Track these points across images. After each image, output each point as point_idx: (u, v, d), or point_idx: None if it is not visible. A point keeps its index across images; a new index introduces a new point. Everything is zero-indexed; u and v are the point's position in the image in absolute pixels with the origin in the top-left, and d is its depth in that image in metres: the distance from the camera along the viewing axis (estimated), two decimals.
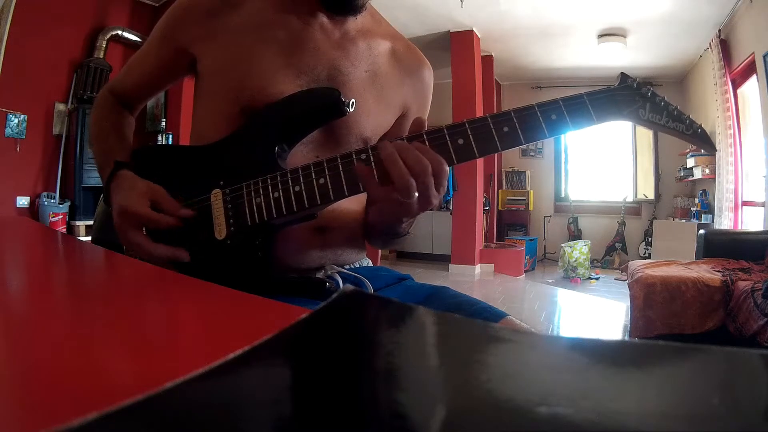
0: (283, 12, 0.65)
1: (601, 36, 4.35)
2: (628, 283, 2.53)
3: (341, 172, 0.53)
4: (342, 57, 0.66)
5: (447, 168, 0.50)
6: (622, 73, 0.52)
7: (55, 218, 3.40)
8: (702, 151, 4.34)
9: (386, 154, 0.49)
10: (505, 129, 0.50)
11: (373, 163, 0.52)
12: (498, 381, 0.16)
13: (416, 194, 0.49)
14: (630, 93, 0.51)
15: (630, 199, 5.71)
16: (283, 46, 0.64)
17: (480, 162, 4.43)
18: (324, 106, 0.59)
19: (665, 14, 3.78)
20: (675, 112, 0.52)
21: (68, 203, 3.53)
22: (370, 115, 0.68)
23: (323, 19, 0.65)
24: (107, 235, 0.70)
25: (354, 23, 0.68)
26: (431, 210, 0.56)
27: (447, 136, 0.51)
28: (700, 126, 0.53)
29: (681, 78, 5.32)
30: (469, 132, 0.51)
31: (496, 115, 0.51)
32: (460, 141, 0.51)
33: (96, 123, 0.74)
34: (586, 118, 0.50)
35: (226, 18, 0.64)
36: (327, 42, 0.65)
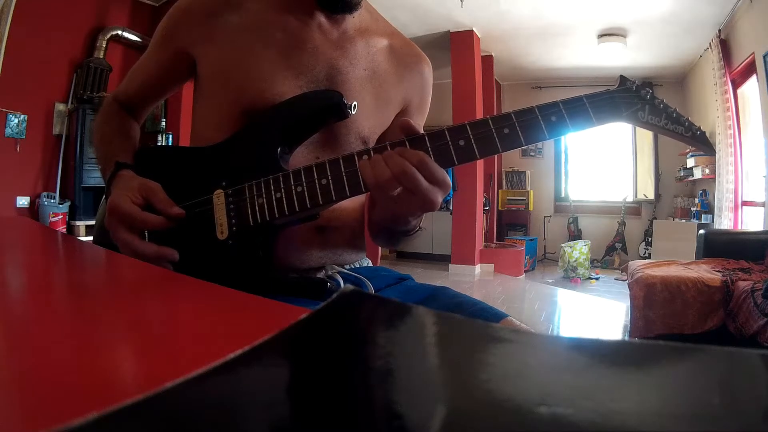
0: (281, 13, 0.65)
1: (601, 36, 4.35)
2: (628, 283, 2.53)
3: (343, 173, 0.53)
4: (340, 56, 0.66)
5: (430, 162, 0.50)
6: (621, 75, 0.53)
7: (55, 218, 3.40)
8: (701, 152, 4.34)
9: (359, 165, 0.51)
10: (506, 131, 0.50)
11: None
12: (498, 381, 0.16)
13: (396, 191, 0.50)
14: (629, 95, 0.51)
15: (630, 199, 5.71)
16: (281, 47, 0.64)
17: (480, 162, 4.41)
18: (326, 109, 0.59)
19: (665, 14, 3.78)
20: (674, 115, 0.52)
21: (68, 203, 3.53)
22: (369, 114, 0.68)
23: (321, 19, 0.65)
24: (108, 236, 0.70)
25: (352, 22, 0.68)
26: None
27: (448, 138, 0.51)
28: (699, 128, 0.54)
29: (681, 78, 5.32)
30: (470, 133, 0.51)
31: (496, 117, 0.51)
32: (461, 142, 0.51)
33: (99, 128, 0.74)
34: (585, 119, 0.50)
35: (224, 19, 0.64)
36: (325, 42, 0.65)
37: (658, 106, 0.52)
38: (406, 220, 0.59)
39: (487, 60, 5.08)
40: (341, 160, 0.53)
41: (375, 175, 0.50)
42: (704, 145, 0.54)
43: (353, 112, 0.59)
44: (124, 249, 0.58)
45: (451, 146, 0.51)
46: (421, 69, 0.75)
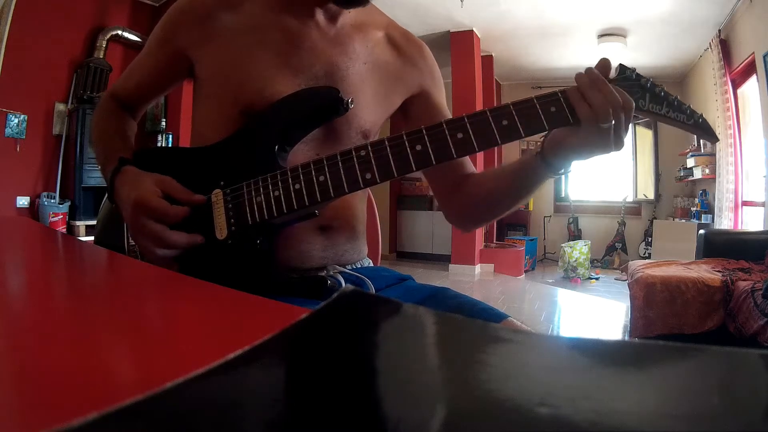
0: (278, 13, 0.65)
1: (601, 36, 4.35)
2: (628, 283, 2.53)
3: (341, 169, 0.53)
4: (339, 53, 0.66)
5: (633, 108, 0.51)
6: (621, 64, 0.53)
7: (55, 218, 3.40)
8: (702, 151, 4.34)
9: (592, 79, 0.51)
10: (504, 122, 0.50)
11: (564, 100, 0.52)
12: (498, 381, 0.16)
13: (610, 123, 0.50)
14: (629, 84, 0.51)
15: (630, 199, 5.70)
16: (279, 46, 0.64)
17: (480, 160, 4.42)
18: (323, 106, 0.59)
19: (665, 14, 3.78)
20: (675, 102, 0.52)
21: (68, 203, 3.52)
22: (369, 108, 0.68)
23: (318, 17, 0.65)
24: (110, 236, 0.70)
25: (348, 17, 0.68)
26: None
27: (446, 131, 0.51)
28: (701, 115, 0.53)
29: (681, 78, 5.32)
30: (468, 126, 0.51)
31: (494, 108, 0.51)
32: (459, 135, 0.51)
33: (97, 125, 0.75)
34: None
35: (222, 21, 0.64)
36: (323, 39, 0.65)
37: (659, 93, 0.52)
38: (579, 156, 0.59)
39: (487, 60, 5.07)
40: (339, 157, 0.53)
41: (603, 102, 0.50)
42: (706, 132, 0.54)
43: (351, 107, 0.59)
44: (154, 242, 0.57)
45: (449, 139, 0.51)
46: (423, 54, 0.76)
